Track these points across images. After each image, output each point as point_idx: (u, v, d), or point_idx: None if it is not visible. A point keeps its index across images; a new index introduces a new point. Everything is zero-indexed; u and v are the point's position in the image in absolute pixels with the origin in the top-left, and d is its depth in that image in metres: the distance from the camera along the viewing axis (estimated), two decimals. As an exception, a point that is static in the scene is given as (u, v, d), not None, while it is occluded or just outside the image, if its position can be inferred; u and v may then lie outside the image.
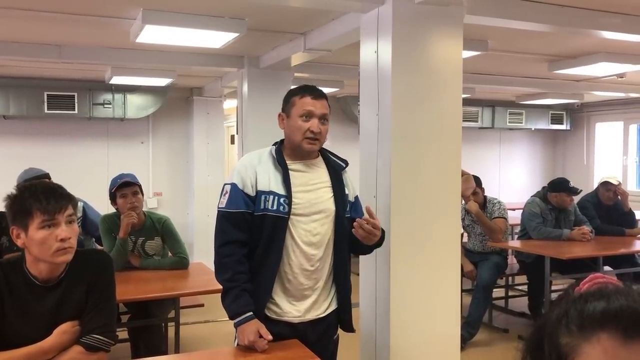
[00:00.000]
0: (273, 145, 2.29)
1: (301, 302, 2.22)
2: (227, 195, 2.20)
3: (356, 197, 2.41)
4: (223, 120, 7.85)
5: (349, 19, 3.58)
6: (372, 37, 3.08)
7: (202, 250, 6.72)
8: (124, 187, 3.60)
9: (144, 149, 7.35)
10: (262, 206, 2.16)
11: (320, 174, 2.28)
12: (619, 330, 0.58)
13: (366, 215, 2.17)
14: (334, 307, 2.29)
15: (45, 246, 1.85)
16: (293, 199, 2.17)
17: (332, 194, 2.25)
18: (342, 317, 2.32)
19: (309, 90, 2.24)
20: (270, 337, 2.08)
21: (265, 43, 4.66)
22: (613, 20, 3.58)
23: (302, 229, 2.19)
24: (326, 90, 6.99)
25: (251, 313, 2.12)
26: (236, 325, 2.13)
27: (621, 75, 5.76)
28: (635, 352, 0.57)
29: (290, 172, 2.21)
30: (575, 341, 0.61)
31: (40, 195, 1.86)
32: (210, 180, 7.24)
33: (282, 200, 2.16)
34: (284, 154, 2.25)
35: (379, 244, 2.27)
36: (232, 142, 8.79)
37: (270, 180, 2.19)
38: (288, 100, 2.27)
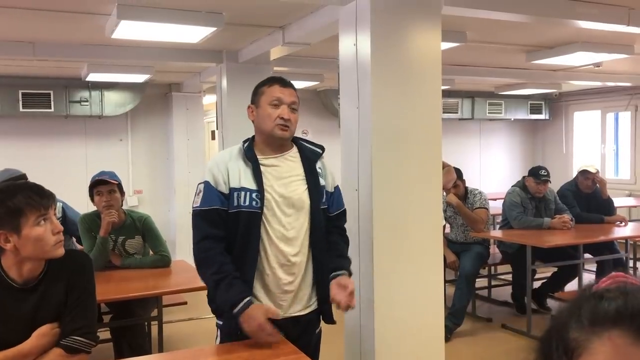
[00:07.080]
0: (243, 142, 2.27)
1: (281, 298, 2.20)
2: (200, 194, 2.19)
3: (336, 188, 2.37)
4: (203, 116, 7.78)
5: (327, 12, 3.56)
6: (350, 29, 3.06)
7: (184, 248, 6.66)
8: (100, 185, 3.55)
9: (123, 147, 7.26)
10: (235, 203, 2.15)
11: (293, 167, 2.25)
12: (632, 329, 0.57)
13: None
14: (315, 303, 2.27)
15: (43, 242, 1.84)
16: (265, 194, 2.15)
17: (307, 187, 2.23)
18: (322, 308, 2.29)
19: (277, 80, 2.27)
20: (279, 312, 2.10)
21: (243, 37, 4.62)
22: (589, 10, 3.61)
23: (276, 224, 2.17)
24: (306, 83, 7.01)
25: (250, 298, 2.06)
26: (237, 315, 2.03)
27: (597, 65, 5.82)
28: None
29: (262, 166, 2.19)
30: (585, 336, 0.60)
31: (29, 192, 1.85)
32: (191, 176, 7.15)
33: (254, 195, 2.14)
34: (255, 150, 2.24)
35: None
36: (213, 137, 8.72)
37: (241, 176, 2.17)
38: (257, 91, 2.28)
